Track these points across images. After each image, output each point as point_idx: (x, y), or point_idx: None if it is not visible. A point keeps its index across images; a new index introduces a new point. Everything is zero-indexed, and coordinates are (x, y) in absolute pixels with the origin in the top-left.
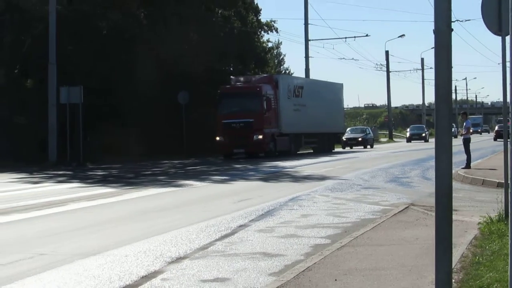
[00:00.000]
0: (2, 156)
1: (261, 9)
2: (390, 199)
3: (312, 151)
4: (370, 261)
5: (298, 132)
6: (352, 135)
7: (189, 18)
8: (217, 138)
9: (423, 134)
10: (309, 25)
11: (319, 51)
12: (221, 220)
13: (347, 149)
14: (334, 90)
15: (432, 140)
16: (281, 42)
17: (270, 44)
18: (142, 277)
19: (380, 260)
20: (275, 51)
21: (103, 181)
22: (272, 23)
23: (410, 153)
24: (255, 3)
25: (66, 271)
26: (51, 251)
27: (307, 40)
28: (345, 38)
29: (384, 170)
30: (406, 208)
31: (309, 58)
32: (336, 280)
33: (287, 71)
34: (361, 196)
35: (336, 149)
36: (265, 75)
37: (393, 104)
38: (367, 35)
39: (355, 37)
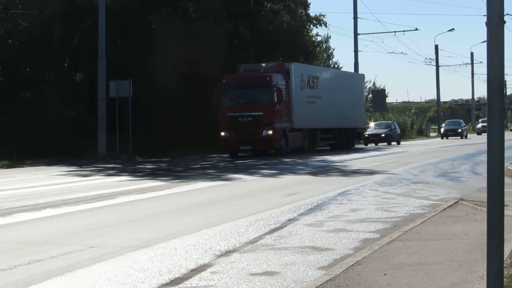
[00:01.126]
0: (52, 149)
1: (310, 3)
2: (439, 193)
3: (329, 148)
4: (419, 255)
5: (312, 127)
6: (375, 131)
7: (238, 12)
8: (222, 134)
9: (459, 130)
10: (358, 19)
11: (368, 45)
12: (270, 213)
13: (372, 145)
14: (354, 81)
15: (471, 136)
16: (330, 36)
17: (319, 38)
18: (191, 270)
19: (429, 254)
20: (324, 45)
21: (152, 174)
22: (321, 17)
23: (459, 148)
24: None
25: (115, 263)
26: (101, 244)
27: (356, 34)
28: (394, 32)
29: (433, 164)
30: (455, 203)
31: (358, 52)
32: (385, 274)
33: (336, 66)
34: (410, 190)
35: (357, 146)
36: (275, 62)
37: (442, 99)
38: (416, 29)
39: (404, 31)
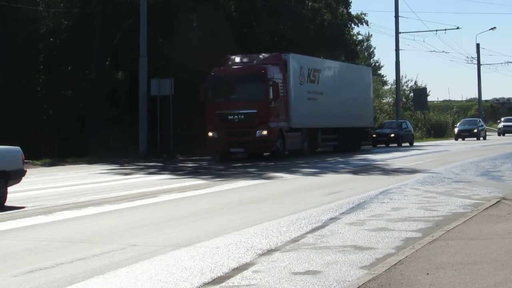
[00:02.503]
0: (93, 147)
1: (351, 2)
2: (481, 192)
3: (332, 149)
4: (461, 255)
5: (313, 127)
6: (383, 130)
7: (279, 11)
8: (209, 134)
9: (475, 130)
10: (399, 18)
11: (410, 43)
12: (311, 212)
13: (382, 146)
14: (361, 75)
15: (490, 137)
16: (371, 35)
17: (360, 37)
18: (234, 269)
19: (472, 254)
20: (365, 44)
21: (194, 173)
22: (363, 15)
23: (501, 147)
24: None
25: (157, 262)
26: (143, 242)
27: (397, 33)
28: (436, 30)
29: (475, 163)
30: (497, 202)
31: (399, 51)
32: (428, 274)
33: (377, 64)
34: (452, 189)
35: (364, 147)
36: (271, 53)
37: (483, 97)
38: (457, 28)
39: (445, 29)
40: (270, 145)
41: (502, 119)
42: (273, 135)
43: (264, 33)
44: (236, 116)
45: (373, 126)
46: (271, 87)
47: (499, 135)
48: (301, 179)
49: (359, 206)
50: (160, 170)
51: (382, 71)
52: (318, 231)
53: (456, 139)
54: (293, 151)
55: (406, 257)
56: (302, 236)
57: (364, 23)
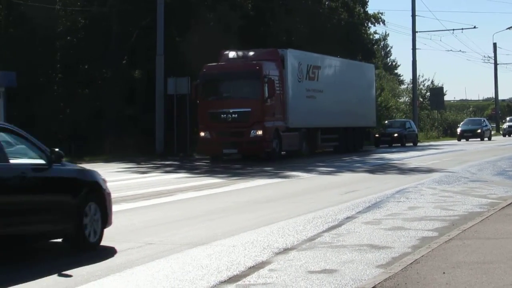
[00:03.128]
0: (110, 146)
1: (368, 1)
2: (497, 192)
3: (332, 150)
4: (478, 254)
5: (312, 127)
6: (386, 130)
7: (296, 10)
8: (201, 134)
9: (479, 131)
10: (416, 17)
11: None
12: (328, 211)
13: (385, 147)
14: (363, 73)
15: (495, 138)
16: (388, 34)
17: (377, 36)
18: (250, 267)
19: (488, 253)
20: (382, 43)
21: (210, 171)
22: (379, 15)
23: None
24: None
25: (174, 260)
26: (159, 241)
27: (414, 32)
28: (453, 30)
29: (492, 163)
30: None
31: (416, 50)
32: (444, 273)
33: (394, 63)
34: (468, 189)
35: (366, 147)
36: (267, 49)
37: (500, 97)
38: (474, 27)
39: (462, 29)
40: (265, 145)
41: (508, 118)
42: (268, 135)
43: (281, 32)
44: (229, 115)
45: (375, 125)
46: (266, 85)
47: (504, 135)
48: (318, 178)
49: (375, 205)
50: (177, 169)
51: (398, 70)
52: (335, 230)
53: (459, 140)
54: (290, 152)
55: (422, 256)
56: (319, 235)
57: (381, 22)
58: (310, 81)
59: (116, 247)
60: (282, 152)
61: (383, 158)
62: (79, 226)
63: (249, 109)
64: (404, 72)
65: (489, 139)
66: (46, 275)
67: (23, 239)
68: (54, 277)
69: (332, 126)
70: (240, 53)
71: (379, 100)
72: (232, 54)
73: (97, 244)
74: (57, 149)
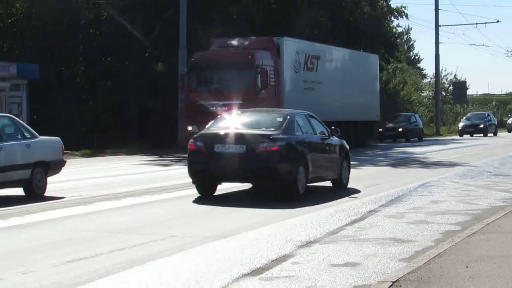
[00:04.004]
0: (132, 138)
1: None
2: None
3: None
4: (501, 248)
5: None
6: (390, 125)
7: (319, 3)
8: (189, 128)
9: (481, 126)
10: (439, 11)
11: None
12: (350, 205)
13: (389, 142)
14: (367, 64)
15: (501, 134)
16: (411, 28)
17: (400, 30)
18: (273, 260)
19: (511, 247)
20: (405, 37)
21: None
22: (402, 8)
23: None
24: None
25: (197, 253)
26: (182, 233)
27: (437, 26)
28: (476, 24)
29: None
30: None
31: (439, 44)
32: (467, 267)
33: (417, 57)
34: (491, 183)
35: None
36: (261, 37)
37: None
38: (498, 21)
39: (486, 23)
40: None
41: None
42: None
43: (304, 26)
44: (218, 108)
45: (379, 119)
46: (259, 75)
47: (509, 131)
48: None
49: (398, 199)
50: None
51: (421, 64)
52: (357, 223)
53: (461, 135)
54: None
55: (446, 250)
56: (341, 228)
57: (404, 16)
58: (309, 72)
59: (139, 239)
60: None
61: (406, 152)
62: (340, 174)
63: (241, 102)
64: (427, 66)
65: (495, 134)
66: None
67: (323, 180)
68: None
69: (332, 120)
70: (232, 41)
71: (402, 94)
72: (224, 41)
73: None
74: (333, 127)
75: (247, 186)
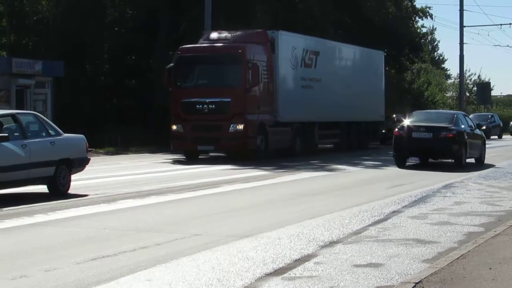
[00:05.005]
0: (156, 137)
1: None
2: None
3: (332, 146)
4: None
5: (308, 121)
6: (395, 123)
7: (343, 3)
8: (173, 127)
9: (483, 127)
10: (464, 11)
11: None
12: (374, 205)
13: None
14: (371, 61)
15: (506, 137)
16: (435, 28)
17: (424, 30)
18: (295, 260)
19: None
20: (429, 37)
21: (256, 164)
22: (427, 9)
23: None
24: None
25: (220, 252)
26: (205, 232)
27: (461, 27)
28: (501, 25)
29: None
30: None
31: (463, 45)
32: (490, 268)
33: (441, 58)
34: None
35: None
36: (254, 30)
37: None
38: None
39: (510, 24)
40: (247, 142)
41: None
42: (251, 130)
43: (329, 25)
44: (205, 106)
45: (384, 120)
46: (249, 71)
47: None
48: (364, 171)
49: (421, 200)
50: (223, 161)
51: (446, 65)
52: (381, 224)
53: None
54: (281, 150)
55: (469, 251)
56: (364, 228)
57: (428, 17)
58: (306, 69)
59: (163, 238)
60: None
61: None
62: (480, 154)
63: (229, 99)
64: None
65: (499, 137)
66: None
67: (472, 157)
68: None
69: (332, 120)
70: (223, 34)
71: (426, 94)
72: (213, 34)
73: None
74: (477, 122)
75: (271, 184)
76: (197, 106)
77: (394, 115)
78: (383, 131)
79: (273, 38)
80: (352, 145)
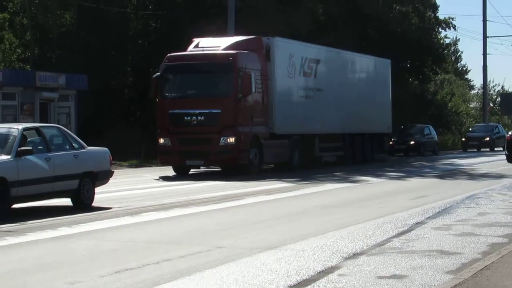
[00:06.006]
0: None
1: (438, 6)
2: None
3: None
4: None
5: (307, 133)
6: (401, 137)
7: (366, 15)
8: (160, 141)
9: (487, 139)
10: (487, 22)
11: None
12: (397, 216)
13: (400, 155)
14: (376, 69)
15: None
16: (458, 39)
17: (447, 41)
18: (319, 272)
19: None
20: (452, 48)
21: (279, 175)
22: (450, 20)
23: None
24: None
25: (243, 264)
26: (229, 244)
27: (485, 37)
28: None
29: None
30: None
31: (487, 55)
32: None
33: (464, 68)
34: None
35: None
36: (248, 37)
37: None
38: None
39: None
40: (239, 156)
41: None
42: (243, 144)
43: (352, 37)
44: (194, 118)
45: (391, 131)
46: (240, 80)
47: None
48: (387, 183)
49: (445, 211)
50: (245, 173)
51: (469, 76)
52: (404, 235)
53: (465, 150)
54: (277, 164)
55: (493, 262)
56: (388, 240)
57: (451, 28)
58: (306, 78)
59: (186, 250)
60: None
61: (453, 164)
62: None
63: (219, 110)
64: (475, 77)
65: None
66: None
67: None
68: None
69: (334, 132)
70: (214, 41)
71: (449, 105)
72: (204, 41)
73: None
74: None
75: (294, 196)
76: (185, 117)
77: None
78: (390, 142)
79: (268, 45)
80: (356, 158)
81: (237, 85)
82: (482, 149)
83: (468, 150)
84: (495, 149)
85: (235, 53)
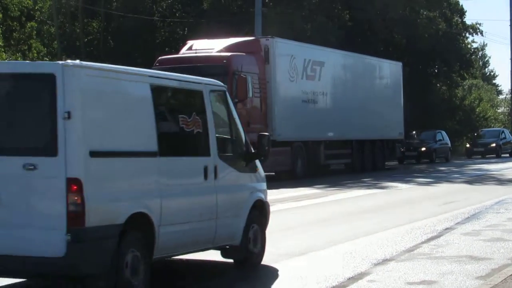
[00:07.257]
0: None
1: (466, 11)
2: None
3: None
4: None
5: (311, 140)
6: (413, 141)
7: (393, 20)
8: None
9: (493, 145)
10: None
11: None
12: (426, 222)
13: (412, 162)
14: (386, 72)
15: None
16: (486, 44)
17: (474, 45)
18: (348, 278)
19: None
20: (479, 53)
21: (307, 181)
22: (477, 25)
23: None
24: (460, 5)
25: (272, 270)
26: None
27: None
28: None
29: None
30: None
31: None
32: None
33: (492, 73)
34: None
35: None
36: (246, 38)
37: None
38: None
39: None
40: None
41: None
42: None
43: (379, 43)
44: None
45: (402, 137)
46: (235, 84)
47: None
48: (416, 188)
49: (474, 216)
50: (272, 178)
51: (497, 81)
52: (433, 241)
53: (469, 156)
54: (279, 173)
55: None
56: (417, 246)
57: (479, 33)
58: (309, 81)
59: (215, 257)
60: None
61: (481, 169)
62: None
63: None
64: (503, 82)
65: (511, 155)
66: None
67: None
68: None
69: (341, 138)
70: (208, 42)
71: (477, 110)
72: (198, 43)
73: None
74: None
75: (323, 202)
76: None
77: None
78: (402, 149)
79: (267, 46)
80: (365, 166)
81: (231, 89)
82: (487, 156)
83: (473, 157)
84: (501, 155)
85: (230, 55)
